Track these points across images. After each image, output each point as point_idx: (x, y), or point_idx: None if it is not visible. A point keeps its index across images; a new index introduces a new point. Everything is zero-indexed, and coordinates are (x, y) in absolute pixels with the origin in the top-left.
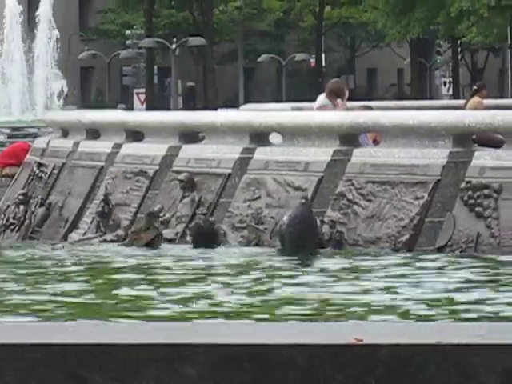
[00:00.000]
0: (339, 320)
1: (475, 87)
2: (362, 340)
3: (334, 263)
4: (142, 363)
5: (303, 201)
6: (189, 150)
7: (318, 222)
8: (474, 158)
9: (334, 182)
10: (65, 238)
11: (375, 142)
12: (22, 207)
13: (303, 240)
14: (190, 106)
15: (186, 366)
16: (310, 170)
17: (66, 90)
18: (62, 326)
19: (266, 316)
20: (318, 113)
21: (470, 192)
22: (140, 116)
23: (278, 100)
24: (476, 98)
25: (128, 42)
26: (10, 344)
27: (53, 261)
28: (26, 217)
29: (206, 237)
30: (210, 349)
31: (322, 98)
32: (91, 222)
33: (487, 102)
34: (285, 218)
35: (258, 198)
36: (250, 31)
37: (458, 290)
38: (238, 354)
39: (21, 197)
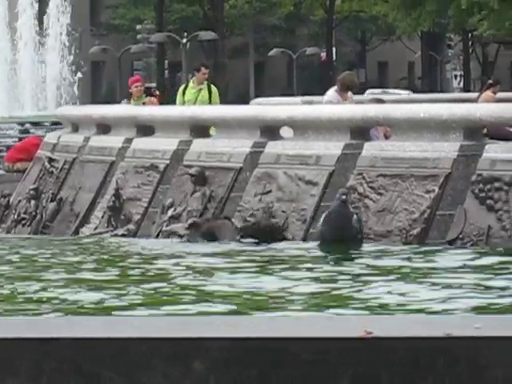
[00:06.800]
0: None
1: (490, 81)
2: (371, 333)
3: None
4: (150, 358)
5: (344, 197)
6: (200, 144)
7: (355, 217)
8: (484, 151)
9: (344, 175)
10: (76, 232)
11: (385, 138)
12: (33, 202)
13: (337, 236)
14: None
15: (194, 360)
16: (321, 163)
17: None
18: (74, 321)
19: None
20: (329, 106)
21: (480, 185)
22: (151, 110)
23: (289, 94)
24: (488, 92)
25: (139, 36)
26: (21, 338)
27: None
28: (37, 212)
29: (268, 232)
30: (218, 343)
31: (330, 93)
32: (102, 217)
33: (498, 95)
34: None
35: (269, 191)
36: (260, 25)
37: None
38: (246, 349)
39: (32, 192)
